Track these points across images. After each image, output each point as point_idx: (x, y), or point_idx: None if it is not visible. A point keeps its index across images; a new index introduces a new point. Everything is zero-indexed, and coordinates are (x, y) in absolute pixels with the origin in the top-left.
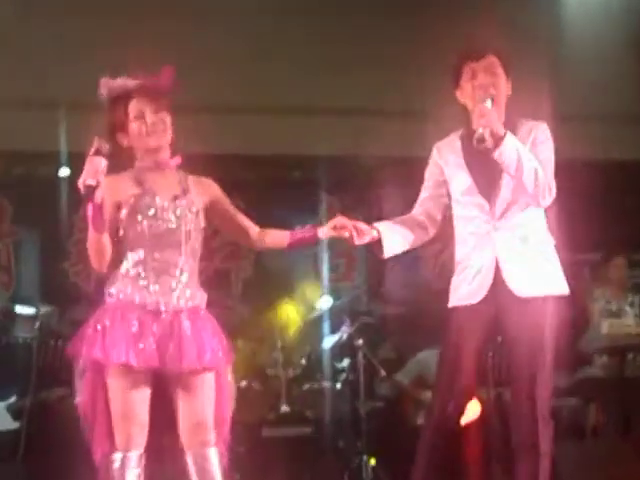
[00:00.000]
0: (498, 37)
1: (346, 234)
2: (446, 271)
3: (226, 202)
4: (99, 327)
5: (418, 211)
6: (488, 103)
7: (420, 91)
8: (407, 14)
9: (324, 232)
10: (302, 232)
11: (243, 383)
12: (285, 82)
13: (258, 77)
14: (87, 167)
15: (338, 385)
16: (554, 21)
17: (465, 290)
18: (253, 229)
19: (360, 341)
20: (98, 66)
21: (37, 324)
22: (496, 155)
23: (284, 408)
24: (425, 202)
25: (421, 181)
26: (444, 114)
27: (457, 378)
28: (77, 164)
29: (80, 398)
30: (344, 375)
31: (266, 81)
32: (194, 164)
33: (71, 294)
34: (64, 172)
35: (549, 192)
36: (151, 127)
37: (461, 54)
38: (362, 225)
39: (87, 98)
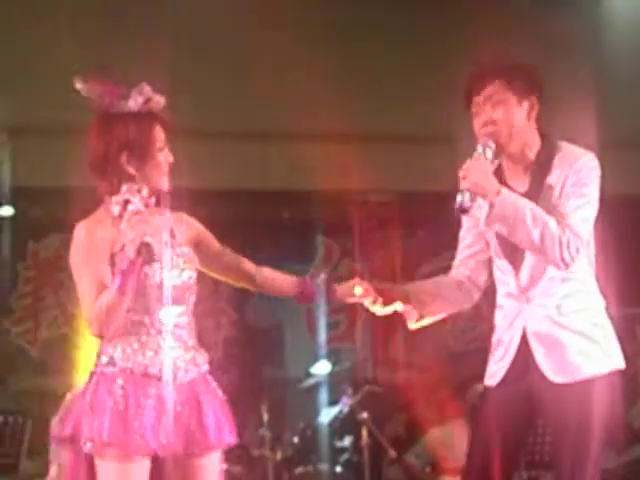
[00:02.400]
0: (516, 52)
1: (367, 299)
2: (467, 332)
3: (209, 236)
4: (109, 401)
5: (458, 272)
6: (478, 153)
7: (434, 117)
8: (410, 35)
9: (342, 293)
10: (315, 285)
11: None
12: (270, 106)
13: (240, 100)
14: (137, 223)
15: (338, 468)
16: (597, 34)
17: (494, 368)
18: (248, 262)
19: (364, 414)
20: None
21: None
22: (484, 223)
23: None
24: (465, 261)
25: (438, 219)
26: (465, 141)
27: (488, 467)
28: (21, 201)
29: None
30: (345, 456)
31: (249, 105)
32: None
33: (15, 359)
34: (6, 211)
35: (569, 251)
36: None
37: (465, 87)
38: (387, 287)
39: (33, 122)
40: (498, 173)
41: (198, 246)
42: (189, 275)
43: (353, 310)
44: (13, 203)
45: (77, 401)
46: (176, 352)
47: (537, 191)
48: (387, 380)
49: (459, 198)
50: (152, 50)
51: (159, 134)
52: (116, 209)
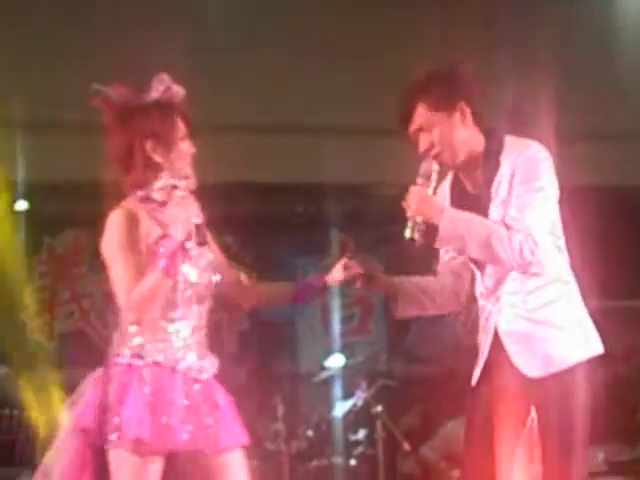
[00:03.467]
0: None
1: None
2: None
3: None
4: (139, 396)
5: (443, 275)
6: (421, 179)
7: None
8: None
9: (331, 278)
10: (309, 282)
11: None
12: (285, 97)
13: (255, 93)
14: (187, 205)
15: (352, 461)
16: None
17: (476, 369)
18: (243, 276)
19: (379, 408)
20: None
21: None
22: (436, 245)
23: None
24: (445, 265)
25: None
26: None
27: (483, 464)
28: (37, 195)
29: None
30: (359, 449)
31: (261, 96)
32: None
33: (29, 354)
34: (21, 205)
35: (522, 256)
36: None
37: (398, 117)
38: (375, 268)
39: (50, 117)
40: (458, 186)
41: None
42: (214, 276)
43: (368, 303)
44: (28, 198)
45: (97, 391)
46: (197, 352)
47: (488, 193)
48: (401, 373)
49: (406, 234)
50: (168, 42)
51: (180, 124)
52: (159, 195)
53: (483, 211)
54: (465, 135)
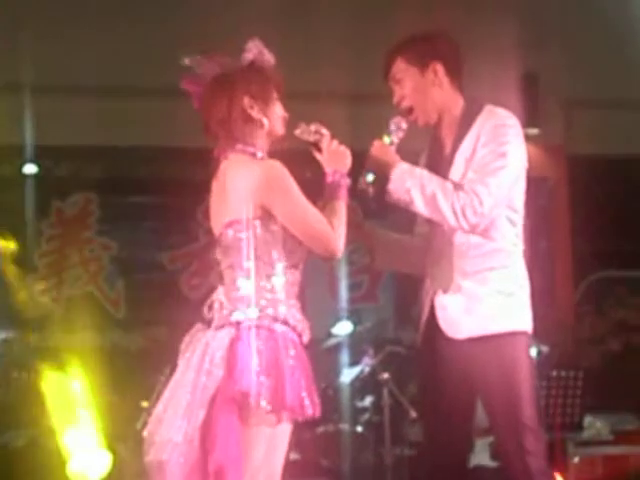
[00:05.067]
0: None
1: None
2: None
3: None
4: (286, 365)
5: (419, 232)
6: (385, 140)
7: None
8: None
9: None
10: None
11: None
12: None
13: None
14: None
15: (359, 428)
16: None
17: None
18: None
19: (386, 375)
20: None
21: None
22: (386, 197)
23: (293, 455)
24: (420, 229)
25: None
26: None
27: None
28: (45, 159)
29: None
30: (366, 416)
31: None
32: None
33: (37, 317)
34: (29, 169)
35: (465, 215)
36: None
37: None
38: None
39: (59, 80)
40: (435, 148)
41: None
42: None
43: (376, 270)
44: (37, 161)
45: (242, 354)
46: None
47: (454, 152)
48: (409, 341)
49: (360, 185)
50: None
51: (274, 88)
52: (261, 149)
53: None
54: (438, 95)
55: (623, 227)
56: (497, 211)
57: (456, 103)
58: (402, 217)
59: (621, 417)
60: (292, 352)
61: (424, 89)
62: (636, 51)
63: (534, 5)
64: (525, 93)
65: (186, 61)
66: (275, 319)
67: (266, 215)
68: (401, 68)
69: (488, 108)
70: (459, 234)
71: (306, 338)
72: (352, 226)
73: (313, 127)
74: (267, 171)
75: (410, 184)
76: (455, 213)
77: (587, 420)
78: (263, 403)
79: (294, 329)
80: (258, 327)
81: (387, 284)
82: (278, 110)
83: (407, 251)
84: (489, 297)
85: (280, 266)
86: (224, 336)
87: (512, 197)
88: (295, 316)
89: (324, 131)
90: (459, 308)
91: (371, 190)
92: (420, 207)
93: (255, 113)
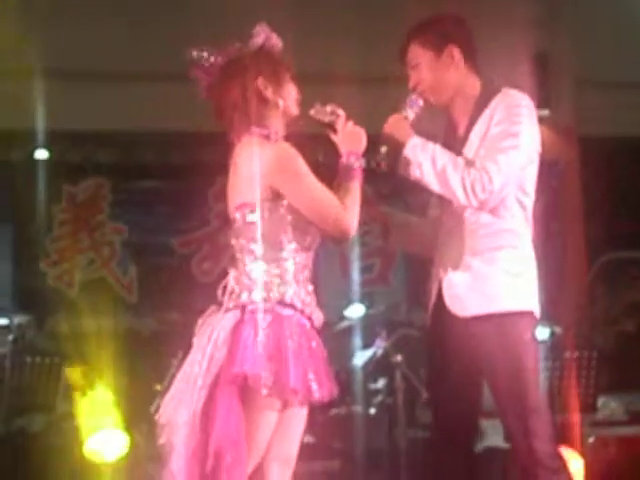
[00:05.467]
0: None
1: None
2: None
3: None
4: (291, 347)
5: (431, 214)
6: (410, 113)
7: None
8: None
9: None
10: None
11: None
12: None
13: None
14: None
15: (372, 410)
16: None
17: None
18: None
19: (398, 357)
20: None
21: (10, 337)
22: (399, 170)
23: (307, 438)
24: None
25: None
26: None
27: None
28: (56, 144)
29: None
30: (379, 398)
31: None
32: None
33: (51, 301)
34: (41, 154)
35: (474, 190)
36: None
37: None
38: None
39: (70, 65)
40: (451, 128)
41: None
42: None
43: (388, 253)
44: (48, 146)
45: (245, 337)
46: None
47: (468, 131)
48: (421, 323)
49: (375, 155)
50: None
51: (286, 68)
52: (276, 132)
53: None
54: (455, 77)
55: (635, 208)
56: (507, 190)
57: (472, 84)
58: (414, 200)
59: (635, 397)
60: (297, 336)
61: (441, 72)
62: None
63: None
64: (536, 74)
65: (193, 54)
66: (281, 302)
67: (276, 197)
68: (417, 53)
69: (505, 90)
70: (469, 213)
71: (318, 322)
72: (367, 206)
73: (329, 108)
74: (277, 153)
75: (422, 158)
76: (465, 188)
77: (601, 401)
78: (263, 388)
79: (302, 312)
80: (263, 310)
81: (399, 267)
82: (292, 91)
83: (420, 232)
84: (496, 276)
85: (290, 249)
86: (229, 319)
87: (523, 179)
88: (304, 300)
89: (340, 112)
90: (466, 286)
91: (384, 164)
92: (430, 181)
93: (270, 94)
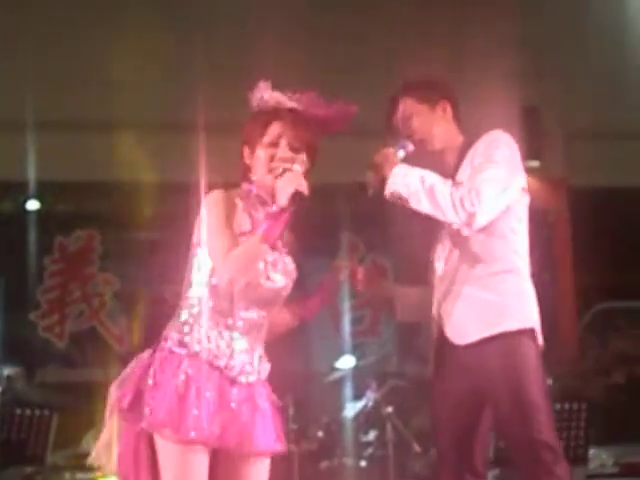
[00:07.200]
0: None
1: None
2: None
3: None
4: (172, 383)
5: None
6: (400, 152)
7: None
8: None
9: (327, 278)
10: (314, 297)
11: None
12: None
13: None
14: (297, 177)
15: (363, 463)
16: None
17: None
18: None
19: (389, 409)
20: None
21: (0, 389)
22: (386, 193)
23: None
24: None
25: None
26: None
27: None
28: (48, 195)
29: (121, 459)
30: (370, 450)
31: None
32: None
33: (41, 352)
34: (32, 205)
35: (463, 206)
36: (278, 162)
37: (386, 112)
38: (369, 271)
39: (61, 117)
40: (440, 168)
41: None
42: (285, 283)
43: (378, 305)
44: (40, 197)
45: (140, 373)
46: (245, 353)
47: (455, 174)
48: (412, 374)
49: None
50: None
51: (275, 129)
52: (261, 191)
53: None
54: (445, 128)
55: (624, 259)
56: (496, 206)
57: (458, 136)
58: (403, 250)
59: (625, 449)
60: (182, 376)
61: (432, 123)
62: (635, 83)
63: (534, 39)
64: (526, 126)
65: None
66: (181, 344)
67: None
68: (411, 106)
69: (486, 134)
70: (461, 243)
71: (221, 362)
72: (372, 286)
73: None
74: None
75: (410, 178)
76: (454, 204)
77: (591, 452)
78: (143, 423)
79: (196, 355)
80: (159, 349)
81: (390, 318)
82: (264, 153)
83: (426, 301)
84: (492, 300)
85: (202, 297)
86: (142, 355)
87: (513, 204)
88: (218, 346)
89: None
90: (464, 314)
91: (370, 190)
92: (418, 199)
93: (247, 160)
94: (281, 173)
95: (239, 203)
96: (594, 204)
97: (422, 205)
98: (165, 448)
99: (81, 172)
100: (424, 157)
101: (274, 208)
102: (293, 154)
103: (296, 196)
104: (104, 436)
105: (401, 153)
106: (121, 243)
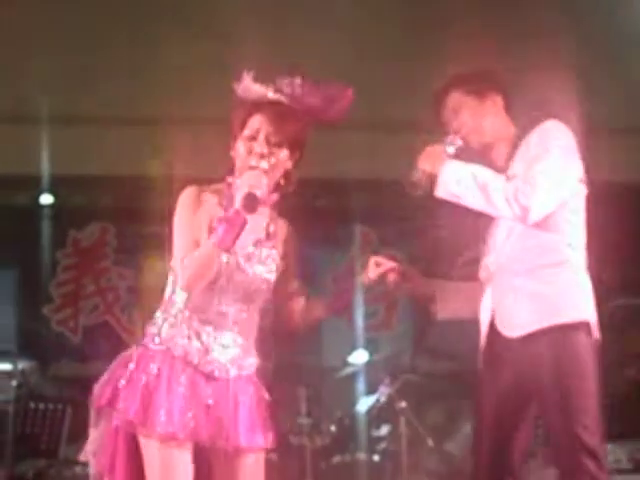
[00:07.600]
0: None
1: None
2: None
3: (294, 259)
4: (143, 378)
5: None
6: (449, 148)
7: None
8: None
9: (365, 277)
10: (343, 292)
11: None
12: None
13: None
14: (253, 177)
15: (376, 457)
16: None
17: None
18: (302, 300)
19: (402, 404)
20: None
21: (14, 383)
22: (437, 190)
23: None
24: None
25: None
26: None
27: (494, 457)
28: (61, 189)
29: (97, 455)
30: (383, 445)
31: None
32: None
33: (55, 346)
34: (46, 199)
35: (517, 199)
36: (253, 157)
37: (433, 104)
38: (413, 274)
39: (75, 111)
40: (490, 164)
41: (284, 259)
42: (265, 278)
43: (392, 299)
44: (54, 191)
45: (118, 370)
46: (223, 348)
47: (507, 168)
48: (426, 369)
49: (411, 178)
50: None
51: (255, 123)
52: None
53: None
54: (495, 122)
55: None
56: (552, 199)
57: (510, 128)
58: (419, 245)
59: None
60: (154, 371)
61: (482, 116)
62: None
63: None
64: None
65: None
66: (153, 340)
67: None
68: (459, 99)
69: (539, 125)
70: (515, 236)
71: (194, 358)
72: (407, 277)
73: None
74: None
75: (462, 174)
76: (507, 199)
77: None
78: (116, 420)
79: (169, 351)
80: (138, 346)
81: (403, 312)
82: (243, 148)
83: (472, 297)
84: (544, 292)
85: (178, 297)
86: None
87: (568, 196)
88: (176, 339)
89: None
90: (514, 306)
91: (420, 188)
92: (472, 194)
93: (232, 152)
94: (249, 169)
95: (213, 199)
96: (615, 198)
97: (475, 201)
98: (147, 444)
99: (95, 166)
100: (475, 151)
101: (229, 212)
102: (272, 149)
103: (248, 198)
104: (93, 434)
105: (450, 149)
106: (135, 237)
